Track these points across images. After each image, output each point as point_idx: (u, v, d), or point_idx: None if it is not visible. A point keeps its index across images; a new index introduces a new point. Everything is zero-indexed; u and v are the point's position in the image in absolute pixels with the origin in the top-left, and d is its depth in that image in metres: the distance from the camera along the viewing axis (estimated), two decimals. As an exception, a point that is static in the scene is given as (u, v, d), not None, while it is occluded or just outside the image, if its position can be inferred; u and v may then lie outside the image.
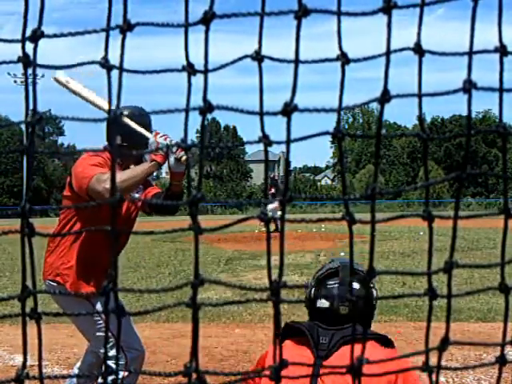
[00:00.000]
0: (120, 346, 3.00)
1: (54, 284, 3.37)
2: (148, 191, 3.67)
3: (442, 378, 4.83)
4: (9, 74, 53.58)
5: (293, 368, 1.90)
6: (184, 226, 0.75)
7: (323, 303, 2.11)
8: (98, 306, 3.26)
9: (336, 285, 2.12)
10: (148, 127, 3.44)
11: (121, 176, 3.13)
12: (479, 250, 14.38)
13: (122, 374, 3.32)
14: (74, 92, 3.27)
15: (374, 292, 2.18)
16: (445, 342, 0.83)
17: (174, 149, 3.22)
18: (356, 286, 2.10)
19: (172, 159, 3.27)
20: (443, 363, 0.85)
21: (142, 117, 3.42)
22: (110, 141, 3.37)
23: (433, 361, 0.85)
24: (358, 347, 1.88)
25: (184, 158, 3.24)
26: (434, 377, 0.85)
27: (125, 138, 3.34)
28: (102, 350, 3.46)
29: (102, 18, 0.71)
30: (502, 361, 0.86)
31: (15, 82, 54.74)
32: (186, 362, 0.65)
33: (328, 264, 2.25)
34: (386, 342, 2.08)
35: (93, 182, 3.13)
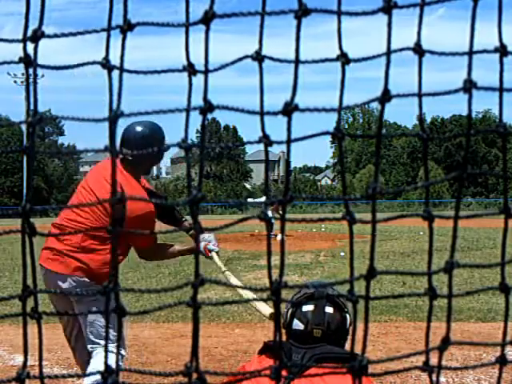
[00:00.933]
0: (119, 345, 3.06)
1: (86, 280, 3.45)
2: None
3: (442, 378, 4.80)
4: (9, 74, 53.66)
5: (263, 381, 1.99)
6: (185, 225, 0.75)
7: (298, 325, 2.24)
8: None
9: (311, 309, 2.24)
10: (161, 142, 3.57)
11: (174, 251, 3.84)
12: (479, 250, 14.38)
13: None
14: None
15: (348, 317, 2.30)
16: (445, 342, 0.83)
17: (211, 245, 3.71)
18: (329, 310, 2.24)
19: (201, 245, 3.75)
20: (443, 363, 0.85)
21: (156, 133, 3.57)
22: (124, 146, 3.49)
23: (433, 361, 0.85)
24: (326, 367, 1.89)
25: (208, 251, 3.77)
26: (434, 377, 0.85)
27: (138, 155, 3.44)
28: (93, 348, 3.53)
29: (101, 17, 0.71)
30: (502, 361, 0.86)
31: (15, 82, 54.78)
32: (187, 362, 0.65)
33: (305, 287, 2.36)
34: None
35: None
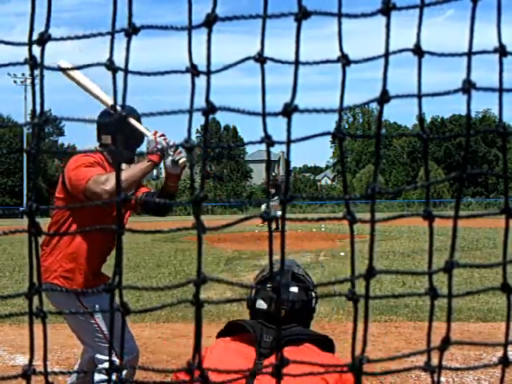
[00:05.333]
0: (113, 346, 3.00)
1: (52, 287, 3.38)
2: (139, 191, 3.69)
3: (441, 378, 4.78)
4: (9, 74, 53.67)
5: (233, 363, 1.95)
6: (186, 225, 0.76)
7: (261, 304, 2.17)
8: (91, 307, 3.30)
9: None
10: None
11: (128, 176, 3.17)
12: (479, 250, 14.38)
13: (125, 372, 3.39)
14: (77, 82, 3.28)
15: (313, 294, 2.25)
16: (446, 342, 0.84)
17: (172, 150, 3.26)
18: (294, 289, 2.18)
19: (169, 160, 3.32)
20: (443, 363, 0.85)
21: (134, 115, 3.44)
22: (100, 138, 3.42)
23: (433, 361, 0.85)
24: (296, 349, 1.92)
25: (182, 160, 3.29)
26: (435, 377, 0.86)
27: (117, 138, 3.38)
28: (94, 354, 3.49)
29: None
30: (505, 361, 0.86)
31: (15, 82, 54.82)
32: (189, 359, 0.66)
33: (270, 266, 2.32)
34: (325, 344, 2.15)
35: (90, 183, 3.16)
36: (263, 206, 17.94)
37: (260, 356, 2.01)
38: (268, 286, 2.15)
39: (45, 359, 0.72)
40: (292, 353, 1.98)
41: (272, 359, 1.99)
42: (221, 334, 2.18)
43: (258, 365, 1.99)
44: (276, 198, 19.31)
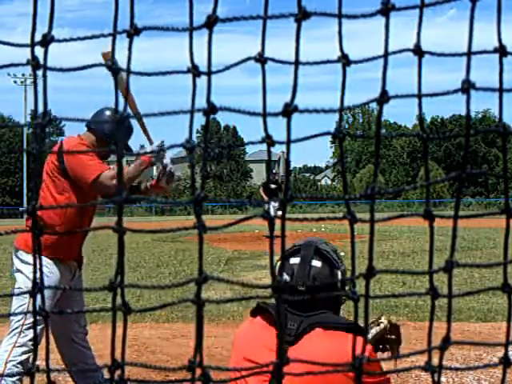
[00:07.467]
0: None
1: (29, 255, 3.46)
2: None
3: (442, 378, 4.75)
4: (8, 74, 53.64)
5: (260, 349, 1.99)
6: (186, 225, 0.76)
7: (285, 278, 2.09)
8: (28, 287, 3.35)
9: (297, 261, 2.10)
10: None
11: (126, 173, 3.48)
12: (479, 250, 14.38)
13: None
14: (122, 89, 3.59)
15: (339, 273, 2.13)
16: (446, 342, 0.84)
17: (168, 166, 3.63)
18: (317, 263, 2.10)
19: (164, 180, 3.69)
20: (443, 363, 0.85)
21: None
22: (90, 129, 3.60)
23: (433, 361, 0.85)
24: (324, 336, 1.87)
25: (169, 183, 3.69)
26: (435, 377, 0.86)
27: (105, 136, 3.54)
28: (8, 340, 3.48)
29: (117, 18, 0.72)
30: (505, 361, 0.86)
31: (15, 82, 54.81)
32: (190, 357, 0.66)
33: (297, 241, 2.24)
34: (355, 330, 2.14)
35: (102, 179, 3.47)
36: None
37: (285, 343, 1.98)
38: (292, 259, 2.09)
39: (47, 358, 0.72)
40: (320, 335, 1.91)
41: (298, 346, 1.95)
42: (252, 313, 2.15)
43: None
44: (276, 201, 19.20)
